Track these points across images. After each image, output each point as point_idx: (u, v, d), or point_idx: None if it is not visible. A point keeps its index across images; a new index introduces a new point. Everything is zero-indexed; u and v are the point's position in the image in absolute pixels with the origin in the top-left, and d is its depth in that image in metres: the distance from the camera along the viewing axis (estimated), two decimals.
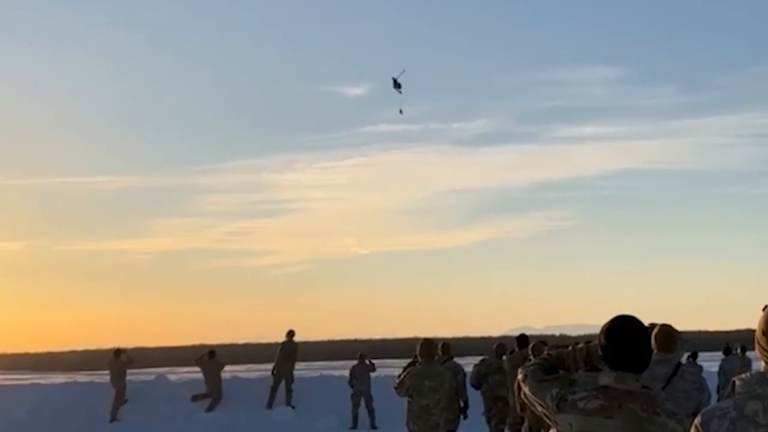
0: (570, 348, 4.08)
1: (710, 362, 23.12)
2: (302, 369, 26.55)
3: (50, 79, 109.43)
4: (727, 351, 21.77)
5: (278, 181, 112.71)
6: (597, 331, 3.84)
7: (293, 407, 22.49)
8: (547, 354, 4.09)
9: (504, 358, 14.56)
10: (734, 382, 2.85)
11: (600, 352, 3.78)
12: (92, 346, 60.83)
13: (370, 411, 21.23)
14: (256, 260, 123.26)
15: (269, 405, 22.55)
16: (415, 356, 10.52)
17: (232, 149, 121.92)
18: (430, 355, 10.62)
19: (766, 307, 2.91)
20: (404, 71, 21.62)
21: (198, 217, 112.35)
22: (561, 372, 3.92)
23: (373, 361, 22.18)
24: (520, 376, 3.99)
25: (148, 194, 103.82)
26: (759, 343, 2.86)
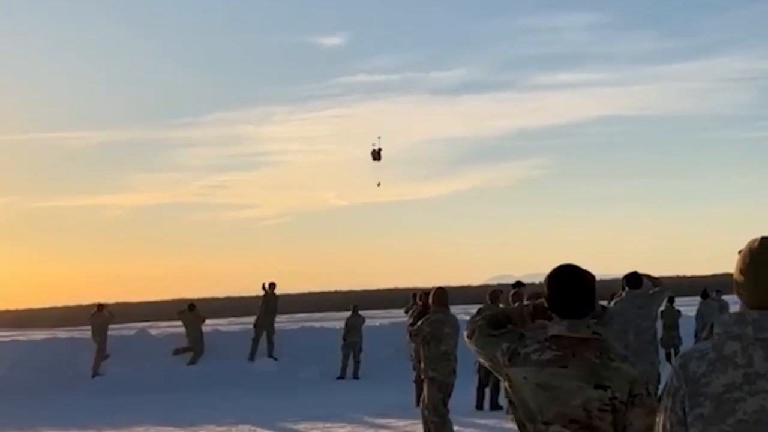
0: (516, 305, 4.12)
1: (687, 307, 23.33)
2: (283, 321, 26.62)
3: (25, 35, 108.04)
4: (705, 295, 21.96)
5: (256, 134, 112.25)
6: None
7: (275, 359, 22.59)
8: (495, 310, 4.12)
9: (501, 305, 14.68)
10: (712, 323, 2.84)
11: (546, 303, 3.80)
12: (72, 302, 60.60)
13: (357, 362, 21.40)
14: (236, 213, 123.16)
15: (251, 357, 22.64)
16: (414, 304, 10.67)
17: (210, 102, 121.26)
18: (444, 303, 10.90)
19: (741, 251, 2.90)
20: (380, 137, 21.82)
21: (176, 171, 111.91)
22: (509, 326, 3.93)
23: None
24: (466, 333, 3.99)
25: (126, 149, 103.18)
26: (737, 283, 2.86)
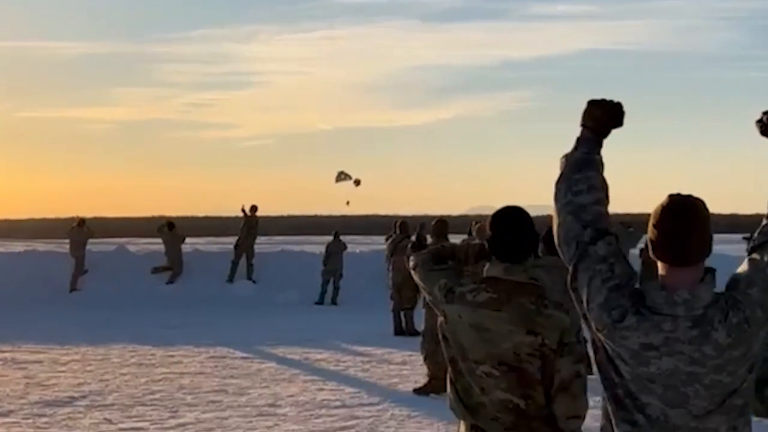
0: (464, 243, 4.13)
1: None
2: (262, 243, 26.57)
3: None
4: None
5: (242, 52, 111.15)
6: None
7: (254, 282, 22.64)
8: (441, 245, 4.14)
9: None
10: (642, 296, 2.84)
11: (487, 245, 3.79)
12: (51, 215, 60.30)
13: (336, 288, 21.44)
14: (218, 133, 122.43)
15: (230, 279, 22.69)
16: (394, 232, 10.48)
17: (196, 18, 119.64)
18: (444, 235, 11.41)
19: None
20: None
21: (160, 87, 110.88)
22: (450, 263, 3.95)
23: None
24: (411, 264, 4.03)
25: (109, 61, 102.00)
26: (652, 240, 2.84)
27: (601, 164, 3.10)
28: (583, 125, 3.15)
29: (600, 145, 3.14)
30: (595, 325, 2.83)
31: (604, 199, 3.03)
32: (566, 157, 3.11)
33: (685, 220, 2.76)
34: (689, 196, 2.81)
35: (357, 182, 22.86)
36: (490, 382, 3.64)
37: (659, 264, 2.82)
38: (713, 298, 2.74)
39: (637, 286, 2.85)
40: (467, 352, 3.70)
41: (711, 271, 2.80)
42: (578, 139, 3.15)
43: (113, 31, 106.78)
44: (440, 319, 3.82)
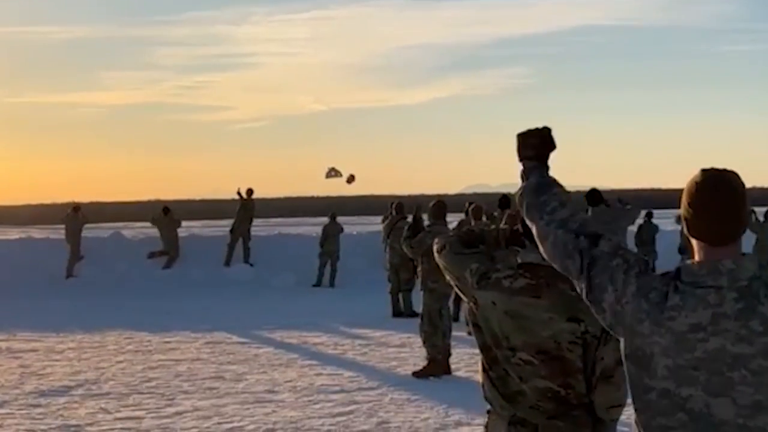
0: (493, 227, 3.99)
1: (666, 219, 23.43)
2: (259, 226, 26.45)
3: None
4: None
5: (234, 34, 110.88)
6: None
7: (251, 265, 22.55)
8: (469, 229, 3.99)
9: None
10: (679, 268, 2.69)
11: (522, 228, 3.64)
12: (46, 201, 60.17)
13: (334, 270, 21.34)
14: (212, 115, 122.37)
15: (227, 262, 22.61)
16: (390, 213, 10.44)
17: None
18: (443, 216, 11.38)
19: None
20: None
21: (152, 70, 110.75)
22: (481, 247, 3.80)
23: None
24: (436, 247, 3.85)
25: (101, 45, 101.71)
26: (687, 219, 2.67)
27: (558, 183, 3.05)
28: (523, 158, 3.15)
29: (548, 169, 3.10)
30: (634, 316, 2.65)
31: (577, 213, 2.95)
32: (522, 190, 3.07)
33: (723, 196, 2.61)
34: (725, 171, 2.64)
35: (350, 179, 22.44)
36: (528, 370, 3.51)
37: (695, 243, 2.67)
38: (756, 272, 2.61)
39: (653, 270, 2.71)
40: (502, 340, 3.56)
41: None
42: (524, 172, 3.12)
43: (103, 15, 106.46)
44: (470, 305, 3.66)
